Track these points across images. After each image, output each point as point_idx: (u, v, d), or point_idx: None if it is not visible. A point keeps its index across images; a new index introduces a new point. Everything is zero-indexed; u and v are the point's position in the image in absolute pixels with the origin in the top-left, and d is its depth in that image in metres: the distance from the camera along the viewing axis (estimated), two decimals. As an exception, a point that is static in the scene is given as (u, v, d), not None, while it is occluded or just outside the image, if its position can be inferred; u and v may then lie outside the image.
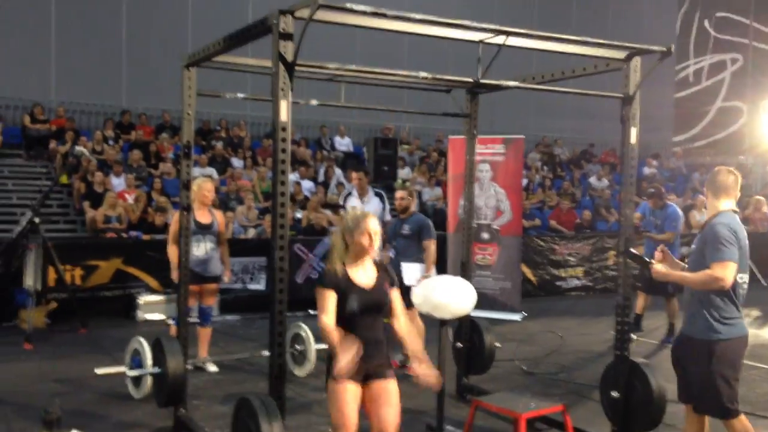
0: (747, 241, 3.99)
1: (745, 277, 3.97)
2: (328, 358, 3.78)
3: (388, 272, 3.85)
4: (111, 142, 13.71)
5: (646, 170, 18.54)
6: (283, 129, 3.66)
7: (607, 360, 4.97)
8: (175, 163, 12.79)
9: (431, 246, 6.76)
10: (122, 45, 16.13)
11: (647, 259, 4.30)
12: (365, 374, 3.70)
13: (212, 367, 6.73)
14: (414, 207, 7.13)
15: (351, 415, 3.66)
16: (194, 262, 6.41)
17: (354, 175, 8.21)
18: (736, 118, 22.50)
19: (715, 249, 3.83)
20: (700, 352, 3.92)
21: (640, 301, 8.64)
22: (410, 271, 6.55)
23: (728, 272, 3.78)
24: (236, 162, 14.32)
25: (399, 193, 7.03)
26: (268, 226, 11.14)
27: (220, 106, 15.66)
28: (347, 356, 3.55)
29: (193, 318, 6.70)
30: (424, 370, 3.67)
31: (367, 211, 3.85)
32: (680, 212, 8.64)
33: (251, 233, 11.26)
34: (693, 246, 4.09)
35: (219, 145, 14.41)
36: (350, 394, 3.64)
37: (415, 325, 6.97)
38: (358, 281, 3.68)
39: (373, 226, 3.71)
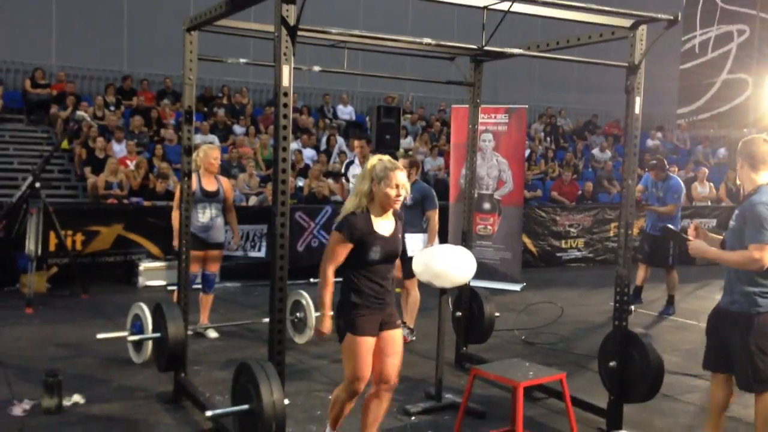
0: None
1: None
2: (337, 308, 3.84)
3: (402, 220, 3.95)
4: (112, 108, 13.65)
5: (650, 142, 18.47)
6: (285, 95, 3.62)
7: (605, 331, 4.98)
8: (176, 130, 12.74)
9: (434, 216, 6.76)
10: (124, 9, 15.98)
11: (684, 235, 4.17)
12: (380, 322, 3.80)
13: (213, 334, 6.76)
14: (417, 176, 7.11)
15: (367, 367, 3.80)
16: (198, 228, 6.44)
17: (356, 143, 8.18)
18: (741, 91, 22.34)
19: (755, 230, 3.73)
20: (740, 324, 3.86)
21: (640, 273, 8.66)
22: (413, 242, 6.55)
23: (767, 254, 3.70)
24: (238, 129, 14.26)
25: (401, 162, 7.01)
26: (269, 193, 11.12)
27: (222, 72, 15.56)
28: (326, 327, 3.83)
29: (197, 284, 6.73)
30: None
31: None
32: (682, 184, 8.61)
33: (252, 201, 11.26)
34: (732, 222, 3.95)
35: (221, 112, 14.34)
36: (368, 347, 3.76)
37: (412, 296, 6.99)
38: (380, 230, 3.74)
39: (402, 178, 3.73)
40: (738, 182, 13.71)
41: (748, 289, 3.85)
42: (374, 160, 3.82)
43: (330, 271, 3.77)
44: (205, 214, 6.56)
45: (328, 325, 3.85)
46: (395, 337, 3.89)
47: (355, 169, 7.99)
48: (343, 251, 3.73)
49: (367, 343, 3.75)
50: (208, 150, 6.68)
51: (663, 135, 19.70)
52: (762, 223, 3.71)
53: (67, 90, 13.78)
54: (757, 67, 21.41)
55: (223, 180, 6.81)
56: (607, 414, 4.72)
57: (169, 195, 10.46)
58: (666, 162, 8.74)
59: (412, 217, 6.83)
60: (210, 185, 6.59)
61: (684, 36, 23.59)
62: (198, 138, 11.75)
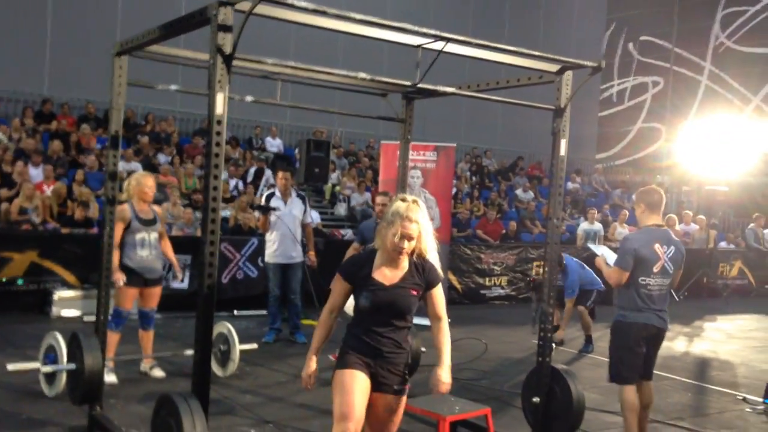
0: (654, 253, 4.73)
1: (648, 280, 4.72)
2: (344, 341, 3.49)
3: (424, 273, 3.45)
4: (31, 132, 13.17)
5: (570, 185, 19.09)
6: (219, 122, 3.59)
7: (528, 367, 5.07)
8: (98, 156, 12.40)
9: None
10: (47, 31, 15.55)
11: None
12: (373, 375, 3.37)
13: (159, 373, 6.42)
14: (273, 204, 7.29)
15: (352, 406, 3.26)
16: (138, 263, 6.15)
17: (280, 174, 8.20)
18: (655, 139, 23.42)
19: (618, 256, 4.84)
20: (611, 331, 4.91)
21: (557, 314, 8.85)
22: None
23: (614, 275, 4.77)
24: (162, 158, 13.97)
25: (379, 199, 7.21)
26: (188, 220, 10.90)
27: (146, 99, 15.27)
28: (307, 369, 3.50)
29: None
30: (440, 375, 3.39)
31: (416, 211, 3.37)
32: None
33: (174, 230, 11.01)
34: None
35: (144, 139, 14.04)
36: (358, 382, 3.31)
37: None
38: (378, 277, 3.39)
39: (409, 230, 3.32)
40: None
41: (617, 303, 4.90)
42: (397, 199, 3.45)
43: (326, 311, 3.50)
44: (144, 248, 6.20)
45: (309, 369, 3.50)
46: (389, 403, 3.41)
47: (276, 201, 7.98)
48: (341, 291, 3.48)
49: (352, 375, 3.31)
50: (141, 178, 6.39)
51: (581, 179, 20.41)
52: (621, 251, 4.80)
53: (-17, 111, 13.25)
54: (670, 117, 22.53)
55: (156, 207, 6.61)
56: (529, 449, 4.78)
57: (88, 222, 10.12)
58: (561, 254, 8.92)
59: None
60: (146, 214, 6.35)
61: (603, 85, 24.64)
62: (121, 165, 11.45)
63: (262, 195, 13.09)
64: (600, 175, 22.09)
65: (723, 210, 20.03)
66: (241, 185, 13.74)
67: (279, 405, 5.82)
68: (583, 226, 14.22)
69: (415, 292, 3.38)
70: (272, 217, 7.92)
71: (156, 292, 6.42)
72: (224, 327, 6.51)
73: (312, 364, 3.50)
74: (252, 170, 14.61)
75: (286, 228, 7.88)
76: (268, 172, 14.67)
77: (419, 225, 3.35)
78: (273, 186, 13.77)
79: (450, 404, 4.45)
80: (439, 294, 3.47)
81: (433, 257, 3.47)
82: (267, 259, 8.12)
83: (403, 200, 3.39)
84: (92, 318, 5.32)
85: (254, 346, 6.81)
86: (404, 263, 3.40)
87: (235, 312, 9.55)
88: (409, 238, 3.33)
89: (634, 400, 4.76)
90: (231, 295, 9.76)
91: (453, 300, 11.39)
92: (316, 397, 6.14)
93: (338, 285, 3.48)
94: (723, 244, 16.95)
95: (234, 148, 15.20)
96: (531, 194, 17.79)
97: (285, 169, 8.42)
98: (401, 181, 6.23)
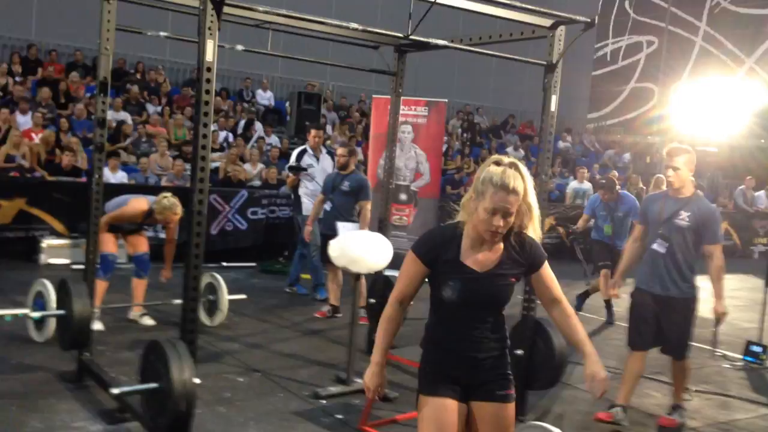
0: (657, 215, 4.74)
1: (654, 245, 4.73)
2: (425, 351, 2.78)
3: (524, 252, 2.68)
4: (18, 78, 12.99)
5: (561, 144, 19.08)
6: (209, 70, 3.56)
7: (513, 322, 5.13)
8: (87, 104, 12.27)
9: (367, 206, 7.00)
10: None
11: None
12: (464, 387, 2.68)
13: (149, 321, 6.49)
14: (354, 165, 7.23)
15: None
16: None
17: (313, 132, 8.27)
18: (648, 100, 23.33)
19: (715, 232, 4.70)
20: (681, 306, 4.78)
21: (602, 282, 8.06)
22: (345, 230, 6.58)
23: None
24: (151, 108, 13.84)
25: (339, 150, 7.16)
26: (178, 172, 10.86)
27: (136, 47, 15.04)
28: (374, 379, 2.75)
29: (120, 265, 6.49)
30: (593, 369, 2.65)
31: (511, 178, 2.54)
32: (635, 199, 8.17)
33: (164, 181, 10.97)
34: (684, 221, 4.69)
35: (134, 88, 13.89)
36: (438, 412, 2.63)
37: (336, 281, 7.07)
38: (468, 261, 2.64)
39: (503, 204, 2.53)
40: (641, 185, 14.38)
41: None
42: (489, 162, 2.63)
43: (393, 302, 2.75)
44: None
45: (376, 379, 2.76)
46: (494, 412, 2.67)
47: (309, 159, 8.02)
48: (415, 276, 2.71)
49: (442, 408, 2.63)
50: (173, 206, 6.23)
51: (572, 138, 20.39)
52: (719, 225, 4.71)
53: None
54: (663, 77, 22.42)
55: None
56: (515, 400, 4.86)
57: (76, 171, 10.07)
58: (615, 180, 8.30)
59: (346, 203, 7.00)
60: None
61: (597, 44, 24.44)
62: (110, 114, 11.35)
63: (255, 149, 13.08)
64: (591, 134, 22.06)
65: (711, 171, 20.11)
66: (231, 138, 13.65)
67: (267, 354, 5.89)
68: (573, 185, 14.28)
69: (514, 279, 2.66)
70: (307, 177, 8.01)
71: (140, 237, 6.50)
72: (213, 278, 6.55)
73: (379, 371, 2.74)
74: (242, 122, 14.51)
75: (316, 185, 7.91)
76: (258, 125, 14.59)
77: (519, 196, 2.56)
78: (263, 139, 13.75)
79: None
80: (549, 274, 2.72)
81: (534, 232, 2.70)
82: (305, 212, 8.06)
83: (497, 164, 2.59)
84: (80, 266, 5.34)
85: (243, 296, 6.88)
86: (499, 243, 2.66)
87: (224, 264, 9.59)
88: (506, 215, 2.55)
89: (633, 367, 4.86)
90: (220, 247, 9.78)
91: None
92: (304, 346, 6.24)
93: (412, 267, 2.69)
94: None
95: (224, 100, 15.06)
96: (522, 153, 17.76)
97: (317, 126, 8.46)
98: (391, 135, 6.22)
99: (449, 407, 2.63)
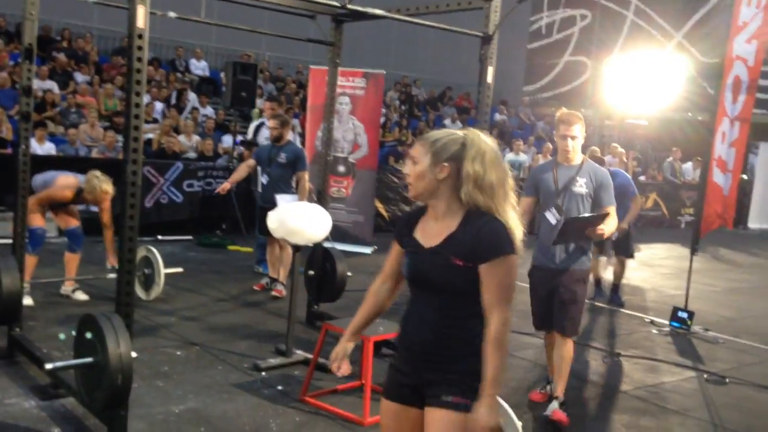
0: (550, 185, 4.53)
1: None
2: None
3: (472, 236, 2.28)
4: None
5: (498, 116, 19.30)
6: (140, 37, 3.45)
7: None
8: (11, 73, 11.78)
9: (305, 176, 6.94)
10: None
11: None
12: (413, 388, 2.39)
13: (82, 296, 6.33)
14: (289, 135, 7.14)
15: None
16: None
17: (267, 104, 8.06)
18: (581, 73, 23.75)
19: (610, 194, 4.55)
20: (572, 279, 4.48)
21: (617, 268, 7.99)
22: (284, 202, 6.53)
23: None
24: (80, 77, 13.38)
25: (271, 122, 7.05)
26: (109, 144, 10.56)
27: (62, 14, 14.49)
28: (336, 350, 2.59)
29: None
30: (477, 412, 2.21)
31: (483, 139, 2.33)
32: (627, 175, 7.72)
33: (94, 152, 10.66)
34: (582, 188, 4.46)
35: (61, 56, 13.38)
36: (388, 419, 2.45)
37: (286, 253, 7.03)
38: (419, 234, 2.43)
39: (411, 151, 2.39)
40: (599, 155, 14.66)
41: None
42: (459, 132, 2.38)
43: (377, 279, 2.63)
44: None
45: (338, 351, 2.61)
46: (436, 420, 2.29)
47: (266, 132, 7.84)
48: (393, 254, 2.55)
49: (383, 409, 2.47)
50: (102, 184, 6.03)
51: (507, 111, 20.65)
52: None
53: None
54: (596, 51, 22.83)
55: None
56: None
57: (1, 142, 9.68)
58: (602, 157, 7.93)
59: (283, 174, 6.91)
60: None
61: (532, 17, 24.70)
62: (36, 83, 10.92)
63: (189, 120, 12.80)
64: (526, 107, 22.38)
65: (641, 144, 20.68)
66: (164, 108, 13.33)
67: (205, 327, 5.84)
68: (509, 156, 14.50)
69: (459, 262, 2.27)
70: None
71: (70, 211, 6.30)
72: (149, 251, 6.44)
73: (344, 344, 2.60)
74: (175, 93, 14.17)
75: None
76: (192, 96, 14.28)
77: (426, 147, 2.34)
78: (197, 110, 13.47)
79: (374, 325, 4.55)
80: (492, 275, 2.25)
81: (509, 219, 2.31)
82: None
83: (465, 133, 2.36)
84: (8, 241, 5.16)
85: (180, 269, 6.78)
86: (454, 218, 2.34)
87: (159, 237, 9.42)
88: (412, 162, 2.36)
89: (549, 352, 4.68)
90: (155, 220, 9.59)
91: (380, 227, 11.53)
92: (242, 318, 6.21)
93: (392, 247, 2.56)
94: (642, 178, 17.59)
95: (156, 70, 14.66)
96: (459, 125, 17.90)
97: (272, 98, 8.24)
98: (329, 107, 6.18)
99: (392, 412, 2.43)
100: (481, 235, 2.26)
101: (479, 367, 2.25)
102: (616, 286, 7.98)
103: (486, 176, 2.28)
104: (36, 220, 5.95)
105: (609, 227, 4.39)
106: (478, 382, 2.24)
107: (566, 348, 4.43)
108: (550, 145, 15.70)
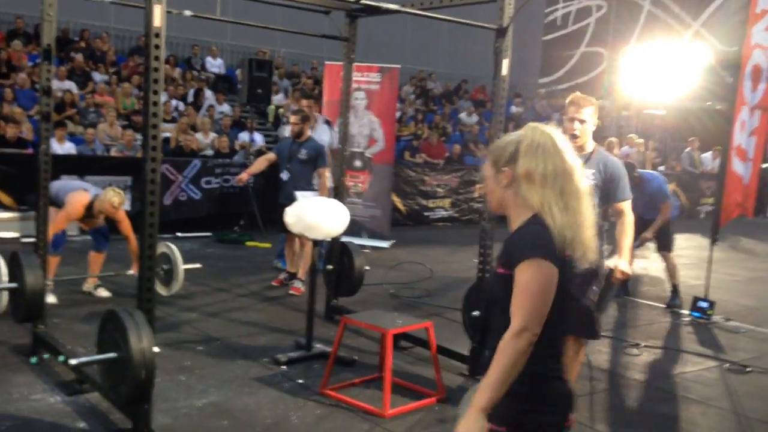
0: None
1: None
2: None
3: (506, 244, 2.13)
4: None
5: (514, 109, 19.23)
6: (157, 36, 3.49)
7: (468, 285, 5.22)
8: (30, 74, 11.91)
9: (326, 173, 6.93)
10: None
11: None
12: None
13: (104, 293, 6.41)
14: (310, 132, 7.14)
15: None
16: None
17: (304, 102, 8.05)
18: (597, 64, 23.60)
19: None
20: None
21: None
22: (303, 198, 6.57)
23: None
24: (98, 77, 13.50)
25: (292, 118, 7.05)
26: (128, 142, 10.66)
27: (79, 15, 14.62)
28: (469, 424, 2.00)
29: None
30: (463, 425, 1.99)
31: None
32: (663, 181, 7.45)
33: (113, 151, 10.76)
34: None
35: (79, 57, 13.51)
36: None
37: (293, 248, 7.09)
38: None
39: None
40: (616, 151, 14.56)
41: None
42: (531, 130, 2.21)
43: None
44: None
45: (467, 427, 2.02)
46: None
47: (324, 130, 7.82)
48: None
49: None
50: (111, 197, 6.06)
51: (523, 103, 20.56)
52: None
53: None
54: (613, 41, 22.68)
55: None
56: (469, 360, 4.98)
57: (21, 143, 9.79)
58: (633, 164, 7.61)
59: (304, 171, 6.91)
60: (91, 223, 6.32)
61: (547, 8, 24.56)
62: (55, 84, 11.03)
63: (205, 117, 12.87)
64: (542, 99, 22.27)
65: (660, 134, 20.51)
66: (181, 106, 13.42)
67: (226, 322, 5.89)
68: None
69: (501, 270, 2.11)
70: None
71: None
72: (167, 247, 6.50)
73: (480, 419, 2.00)
74: (192, 91, 14.25)
75: None
76: (209, 93, 14.35)
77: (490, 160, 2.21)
78: (213, 107, 13.54)
79: (393, 318, 4.59)
80: (516, 280, 2.03)
81: (555, 217, 2.08)
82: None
83: (540, 130, 2.21)
84: (31, 239, 5.24)
85: (198, 265, 6.84)
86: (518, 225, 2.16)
87: (179, 234, 9.50)
88: (484, 178, 2.25)
89: None
90: (174, 217, 9.67)
91: (397, 221, 11.55)
92: (261, 313, 6.26)
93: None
94: (661, 168, 17.46)
95: (172, 68, 14.76)
96: (475, 118, 17.86)
97: (307, 96, 8.23)
98: (344, 102, 6.20)
99: None
100: (513, 238, 2.11)
101: (513, 387, 2.00)
102: (675, 286, 7.47)
103: (537, 169, 2.09)
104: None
105: (626, 242, 3.97)
106: (508, 403, 2.02)
107: (582, 353, 4.32)
108: (647, 148, 15.30)
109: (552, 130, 2.17)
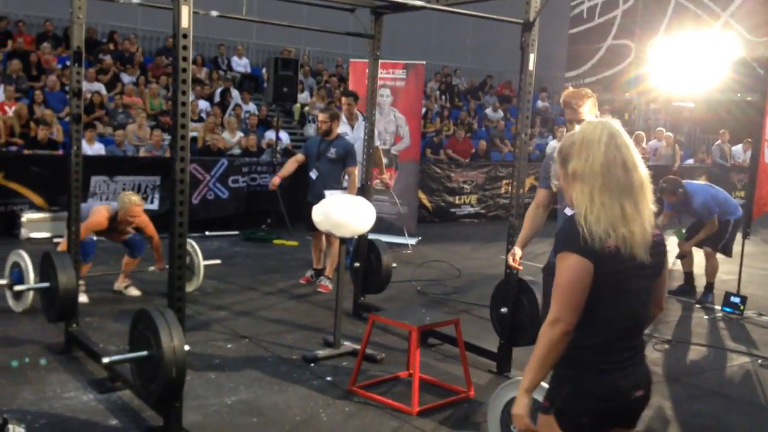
0: None
1: None
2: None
3: (555, 238, 2.22)
4: (-13, 51, 12.74)
5: (540, 103, 19.11)
6: (185, 36, 3.52)
7: (496, 282, 5.19)
8: (60, 76, 12.08)
9: (355, 172, 6.92)
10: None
11: None
12: None
13: (134, 291, 6.50)
14: (338, 130, 7.14)
15: None
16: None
17: (343, 99, 8.06)
18: (625, 57, 23.32)
19: None
20: None
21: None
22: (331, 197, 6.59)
23: None
24: (126, 78, 13.65)
25: (321, 116, 7.03)
26: (156, 143, 10.78)
27: (107, 17, 14.80)
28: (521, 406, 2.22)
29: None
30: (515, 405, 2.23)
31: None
32: (708, 195, 7.19)
33: (142, 152, 10.88)
34: None
35: (108, 58, 13.67)
36: None
37: (319, 246, 7.12)
38: None
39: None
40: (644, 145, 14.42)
41: None
42: (590, 126, 2.20)
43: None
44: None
45: (520, 408, 2.23)
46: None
47: (343, 127, 7.85)
48: None
49: None
50: (132, 202, 6.14)
51: (549, 97, 20.40)
52: None
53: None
54: (640, 33, 22.41)
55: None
56: (497, 357, 4.96)
57: (52, 144, 9.94)
58: (678, 179, 7.34)
59: (333, 170, 6.92)
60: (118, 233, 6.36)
61: (573, 1, 24.33)
62: (84, 85, 11.17)
63: (233, 117, 12.95)
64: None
65: (689, 126, 20.23)
66: (208, 106, 13.52)
67: (254, 321, 5.93)
68: (552, 143, 14.31)
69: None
70: None
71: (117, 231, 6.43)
72: (188, 244, 6.55)
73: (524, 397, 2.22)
74: (218, 91, 14.36)
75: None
76: (235, 93, 14.45)
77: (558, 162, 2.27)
78: (239, 107, 13.62)
79: (420, 315, 4.58)
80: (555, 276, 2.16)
81: (588, 211, 2.11)
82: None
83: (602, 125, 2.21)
84: (61, 239, 5.33)
85: (218, 261, 6.90)
86: None
87: (207, 233, 9.58)
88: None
89: None
90: (202, 216, 9.76)
91: (423, 218, 11.53)
92: (290, 311, 6.29)
93: None
94: (690, 161, 17.22)
95: (199, 68, 14.88)
96: (500, 113, 17.77)
97: (348, 94, 8.25)
98: (370, 99, 6.20)
99: None
100: (557, 233, 2.20)
101: (560, 370, 2.20)
102: (710, 284, 7.31)
103: (578, 167, 2.13)
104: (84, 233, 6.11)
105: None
106: (554, 384, 2.22)
107: None
108: (564, 130, 15.36)
109: (607, 124, 2.19)
